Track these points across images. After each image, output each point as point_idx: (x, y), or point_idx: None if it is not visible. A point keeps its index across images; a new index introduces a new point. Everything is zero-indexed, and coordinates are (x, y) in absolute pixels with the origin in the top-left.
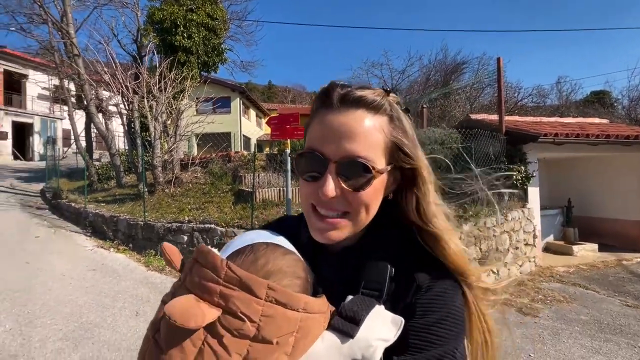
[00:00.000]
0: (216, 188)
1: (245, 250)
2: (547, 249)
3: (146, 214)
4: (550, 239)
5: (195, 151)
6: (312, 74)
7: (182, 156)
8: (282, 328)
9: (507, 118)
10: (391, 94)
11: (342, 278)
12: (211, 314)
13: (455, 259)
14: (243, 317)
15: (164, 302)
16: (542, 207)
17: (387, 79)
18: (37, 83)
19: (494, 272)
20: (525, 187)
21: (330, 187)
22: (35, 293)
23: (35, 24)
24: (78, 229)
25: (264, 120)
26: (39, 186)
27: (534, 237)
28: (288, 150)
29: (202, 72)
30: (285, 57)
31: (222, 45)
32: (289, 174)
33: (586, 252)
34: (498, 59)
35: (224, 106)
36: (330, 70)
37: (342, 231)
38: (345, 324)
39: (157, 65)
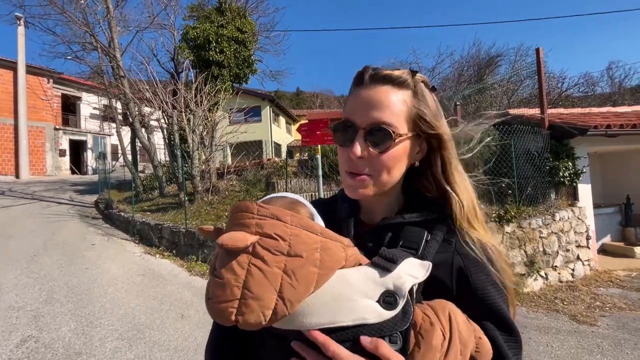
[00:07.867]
0: (250, 195)
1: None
2: (604, 251)
3: (187, 221)
4: (607, 240)
5: (229, 160)
6: (339, 77)
7: (218, 165)
8: (308, 244)
9: (550, 111)
10: (417, 74)
11: (382, 246)
12: (252, 237)
13: (474, 224)
14: (277, 237)
15: (215, 254)
16: (596, 206)
17: None
18: (89, 104)
19: (542, 277)
20: (574, 184)
21: (358, 149)
22: (94, 296)
23: (87, 51)
24: (127, 237)
25: (293, 127)
26: (93, 198)
27: (587, 238)
28: (319, 156)
29: (234, 84)
30: (312, 63)
31: (252, 57)
32: (320, 179)
33: None
34: (537, 50)
35: (255, 115)
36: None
37: (368, 189)
38: (384, 262)
39: (193, 80)
